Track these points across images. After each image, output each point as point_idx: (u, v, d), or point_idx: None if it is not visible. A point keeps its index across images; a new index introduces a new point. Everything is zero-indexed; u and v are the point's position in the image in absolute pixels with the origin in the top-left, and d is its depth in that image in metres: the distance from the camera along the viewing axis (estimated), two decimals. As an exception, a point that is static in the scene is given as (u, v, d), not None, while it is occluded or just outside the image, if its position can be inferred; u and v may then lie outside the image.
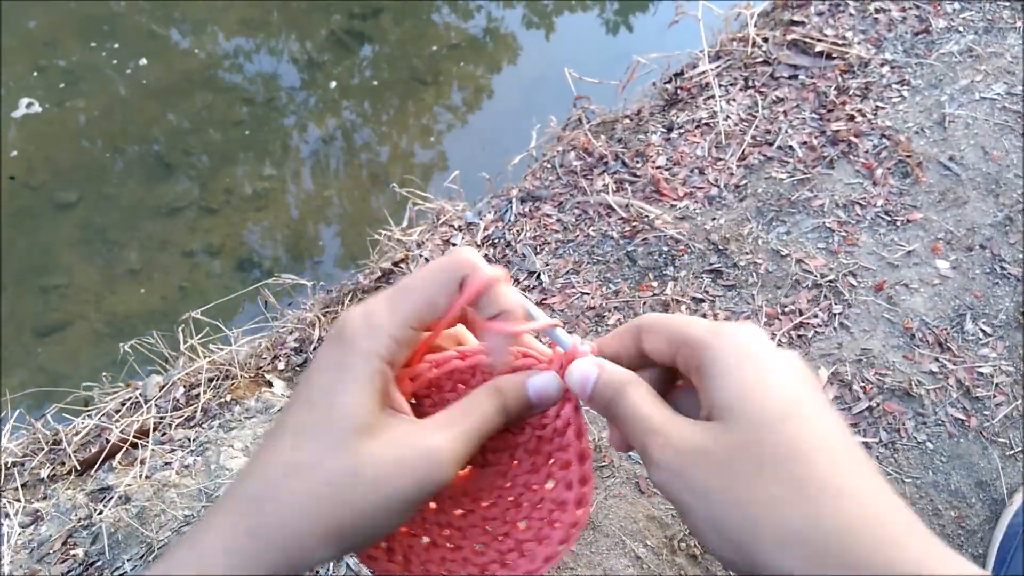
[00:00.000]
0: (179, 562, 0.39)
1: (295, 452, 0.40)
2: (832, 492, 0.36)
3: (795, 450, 0.38)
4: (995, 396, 1.81)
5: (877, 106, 2.40)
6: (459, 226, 2.25)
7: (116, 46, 4.19)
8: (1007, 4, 2.66)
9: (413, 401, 0.49)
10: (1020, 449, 1.73)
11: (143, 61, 4.11)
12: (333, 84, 4.12)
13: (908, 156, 2.23)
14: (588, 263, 2.09)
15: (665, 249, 2.07)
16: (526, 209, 2.27)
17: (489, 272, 0.46)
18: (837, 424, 0.39)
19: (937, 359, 1.86)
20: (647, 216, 2.13)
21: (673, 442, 0.41)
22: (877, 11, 2.71)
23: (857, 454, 0.38)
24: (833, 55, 2.56)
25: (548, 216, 2.23)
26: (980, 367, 1.85)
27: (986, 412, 1.79)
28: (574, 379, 0.47)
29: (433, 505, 0.50)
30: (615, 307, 1.98)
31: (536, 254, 2.12)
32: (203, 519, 0.41)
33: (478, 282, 0.45)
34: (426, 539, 0.49)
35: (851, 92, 2.45)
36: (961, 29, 2.62)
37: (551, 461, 0.50)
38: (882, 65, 2.54)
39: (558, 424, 0.50)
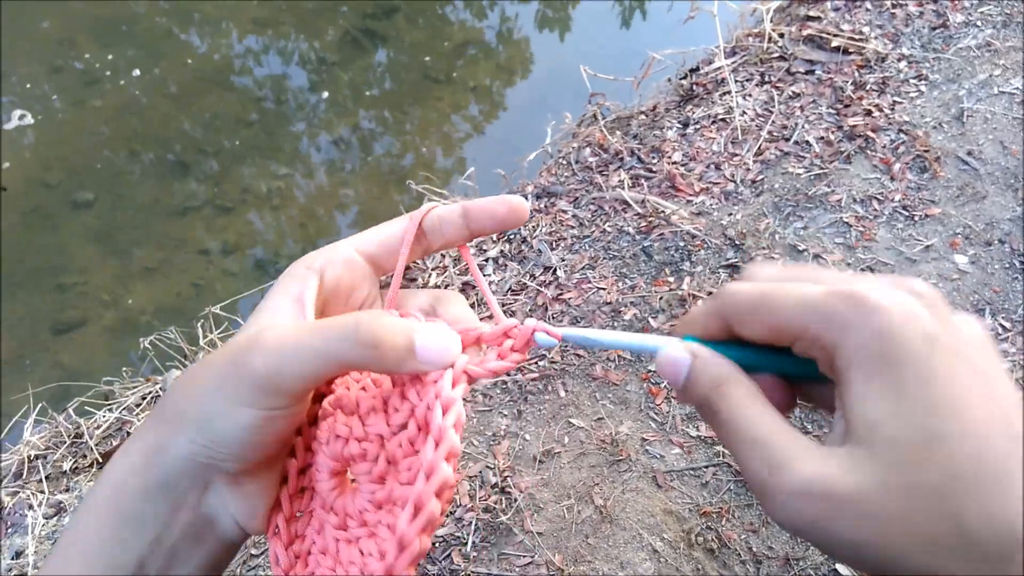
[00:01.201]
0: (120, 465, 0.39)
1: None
2: (984, 524, 0.30)
3: (952, 477, 0.30)
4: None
5: (894, 101, 2.39)
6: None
7: (132, 47, 4.22)
8: (1025, -2, 2.65)
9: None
10: (1040, 444, 1.73)
11: (158, 62, 4.14)
12: (347, 83, 4.13)
13: (926, 151, 2.22)
14: (604, 258, 2.09)
15: (681, 244, 2.07)
16: (542, 205, 2.27)
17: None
18: (989, 418, 0.31)
19: (956, 354, 1.85)
20: (663, 211, 2.13)
21: (805, 477, 0.32)
22: (894, 6, 2.70)
23: (1013, 465, 0.30)
24: (850, 50, 2.55)
25: (564, 212, 2.23)
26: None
27: (1005, 407, 1.78)
28: (663, 365, 0.38)
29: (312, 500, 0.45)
30: (631, 302, 1.98)
31: (552, 249, 2.13)
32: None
33: (427, 209, 0.46)
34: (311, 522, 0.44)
35: (868, 87, 2.44)
36: (979, 23, 2.61)
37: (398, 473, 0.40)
38: (899, 60, 2.53)
39: (412, 431, 0.39)
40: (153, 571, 0.39)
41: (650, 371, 1.85)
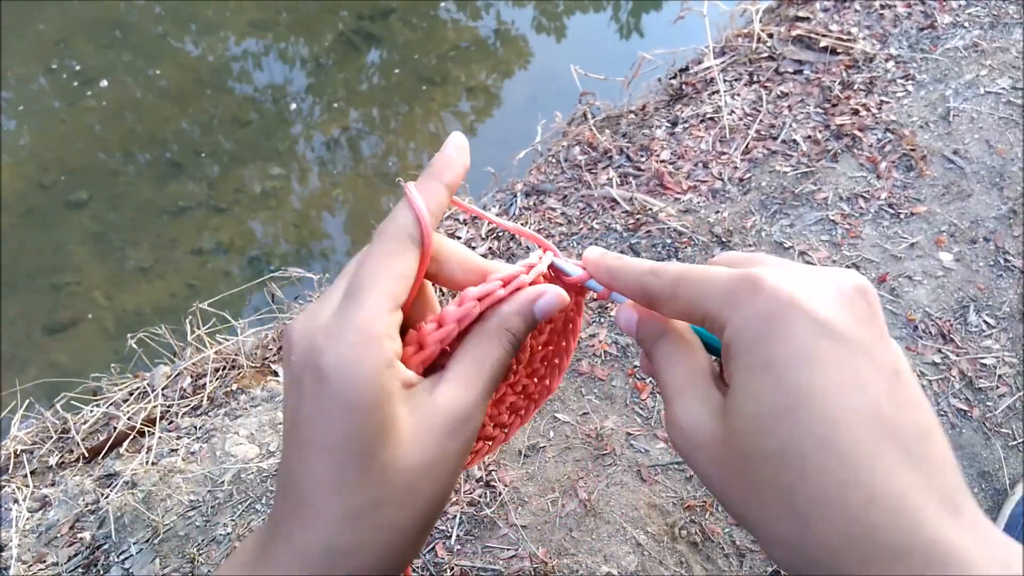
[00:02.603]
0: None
1: (350, 508, 0.37)
2: (820, 511, 0.31)
3: (794, 451, 0.32)
4: (998, 387, 1.81)
5: (882, 100, 2.41)
6: (464, 219, 2.27)
7: (127, 48, 4.23)
8: (1013, 0, 2.67)
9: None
10: (1022, 440, 1.73)
11: (154, 63, 4.15)
12: (341, 84, 4.15)
13: (912, 150, 2.23)
14: (592, 255, 2.10)
15: (669, 241, 2.08)
16: (531, 202, 2.28)
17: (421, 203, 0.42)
18: (853, 406, 0.32)
19: (940, 350, 1.86)
20: (651, 209, 2.14)
21: (682, 421, 0.38)
22: (883, 6, 2.71)
23: (869, 443, 0.31)
24: (838, 50, 2.57)
25: (552, 209, 2.24)
26: (983, 358, 1.85)
27: (988, 403, 1.79)
28: (621, 323, 0.46)
29: None
30: (618, 298, 1.98)
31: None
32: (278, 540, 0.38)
33: (421, 215, 0.41)
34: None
35: (856, 87, 2.45)
36: (967, 24, 2.62)
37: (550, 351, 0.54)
38: (887, 60, 2.54)
39: (571, 314, 0.53)
40: None
41: (635, 366, 1.86)
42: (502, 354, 0.43)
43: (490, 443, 0.51)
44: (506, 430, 0.53)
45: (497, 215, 2.25)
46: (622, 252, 2.03)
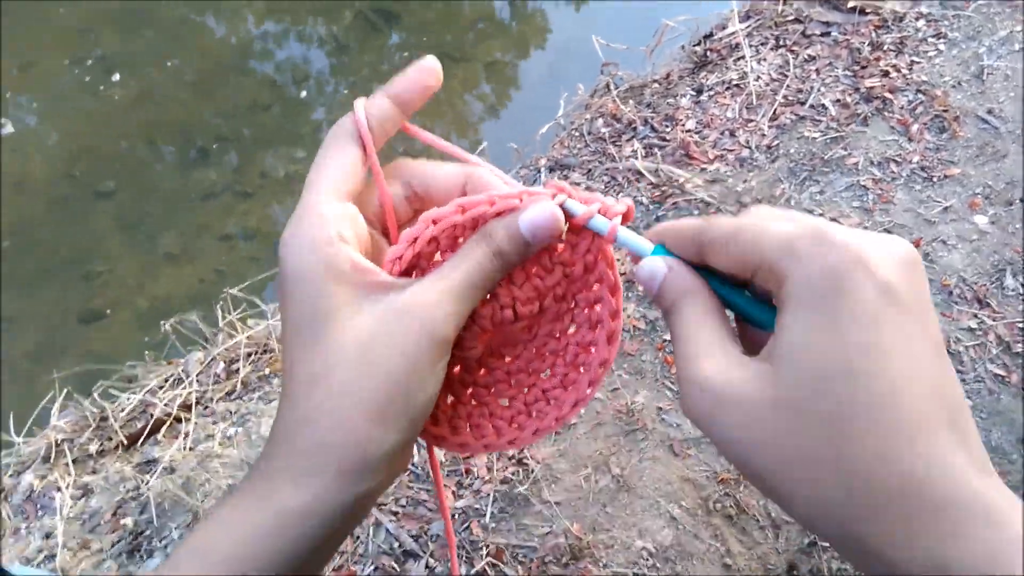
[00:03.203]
0: (252, 510, 0.38)
1: (300, 383, 0.39)
2: (878, 467, 0.31)
3: (849, 412, 0.32)
4: (1037, 351, 1.77)
5: (912, 61, 2.35)
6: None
7: (149, 36, 4.24)
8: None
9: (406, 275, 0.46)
10: (1064, 404, 1.70)
11: (175, 50, 4.16)
12: (361, 64, 4.13)
13: (945, 111, 2.18)
14: (618, 229, 2.08)
15: (696, 213, 2.06)
16: (555, 177, 2.26)
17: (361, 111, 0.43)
18: (912, 373, 0.32)
19: (976, 315, 1.82)
20: (677, 180, 2.11)
21: (711, 379, 0.36)
22: (911, -37, 2.64)
23: (934, 423, 0.32)
24: (867, 10, 2.50)
25: (577, 184, 2.22)
26: (1021, 323, 1.81)
27: (1028, 368, 1.76)
28: (643, 274, 0.42)
29: (457, 368, 0.49)
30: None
31: (566, 222, 2.12)
32: (251, 476, 0.40)
33: (361, 122, 0.43)
34: (450, 398, 0.49)
35: (885, 48, 2.39)
36: (999, -22, 2.55)
37: (573, 305, 0.48)
38: (917, 19, 2.48)
39: (588, 259, 0.46)
40: None
41: (665, 340, 1.85)
42: (480, 257, 0.42)
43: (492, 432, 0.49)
44: (516, 425, 0.49)
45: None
46: (648, 224, 2.01)
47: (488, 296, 0.45)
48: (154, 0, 4.56)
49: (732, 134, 2.25)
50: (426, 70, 0.44)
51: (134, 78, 4.10)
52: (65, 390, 2.03)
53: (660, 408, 1.74)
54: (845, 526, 0.32)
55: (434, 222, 0.43)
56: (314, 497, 0.38)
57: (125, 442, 1.84)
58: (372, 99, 0.44)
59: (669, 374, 1.79)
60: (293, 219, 0.41)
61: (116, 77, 4.09)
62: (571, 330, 0.48)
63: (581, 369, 0.48)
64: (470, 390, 0.50)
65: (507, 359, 0.50)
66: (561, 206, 0.43)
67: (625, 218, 0.44)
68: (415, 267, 0.44)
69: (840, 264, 0.34)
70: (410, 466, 1.70)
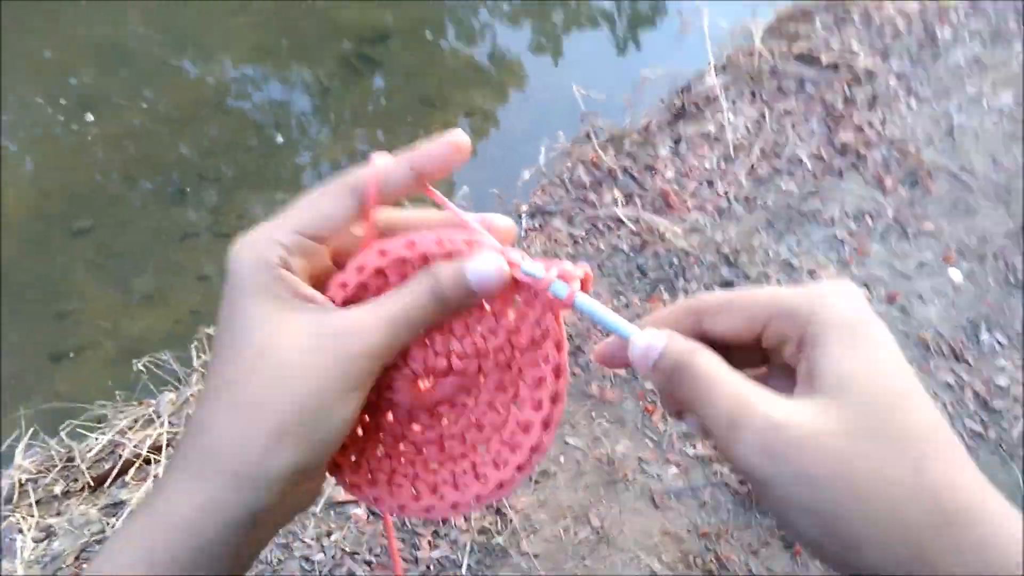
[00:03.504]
0: (150, 517, 0.38)
1: (212, 389, 0.39)
2: (946, 483, 0.33)
3: (915, 433, 0.34)
4: (1013, 408, 1.79)
5: (885, 116, 2.40)
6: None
7: (129, 74, 4.25)
8: (1013, 14, 2.67)
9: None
10: (1039, 459, 1.71)
11: (155, 89, 4.16)
12: (343, 108, 4.16)
13: (918, 166, 2.22)
14: (599, 276, 2.09)
15: (675, 261, 2.07)
16: (536, 223, 2.27)
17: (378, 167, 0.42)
18: (936, 407, 0.36)
19: (953, 370, 1.84)
20: (657, 228, 2.13)
21: (772, 417, 0.35)
22: (883, 22, 2.72)
23: (958, 442, 0.35)
24: (839, 66, 2.57)
25: (558, 230, 2.23)
26: (997, 379, 1.83)
27: (1004, 424, 1.77)
28: (637, 349, 0.41)
29: (390, 417, 0.47)
30: (627, 320, 1.97)
31: (546, 268, 2.13)
32: (159, 484, 0.40)
33: (370, 174, 0.42)
34: (381, 449, 0.47)
35: (858, 103, 2.45)
36: (967, 38, 2.63)
37: (521, 379, 0.46)
38: (889, 75, 2.54)
39: (536, 334, 0.44)
40: None
41: (646, 389, 1.84)
42: (421, 294, 0.42)
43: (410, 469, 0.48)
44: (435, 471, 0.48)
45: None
46: (629, 272, 2.02)
47: (425, 340, 0.44)
48: (134, 39, 4.57)
49: (710, 184, 2.29)
50: (454, 145, 0.44)
51: (112, 116, 4.08)
52: (31, 429, 1.98)
53: (641, 458, 1.72)
54: (923, 545, 0.33)
55: (382, 253, 0.43)
56: (205, 502, 0.38)
57: (92, 484, 1.79)
58: (393, 162, 0.44)
59: (650, 423, 1.78)
60: (248, 233, 0.41)
61: (94, 114, 4.08)
62: (515, 406, 0.46)
63: (516, 451, 0.46)
64: (401, 445, 0.48)
65: (444, 421, 0.48)
66: (516, 266, 0.42)
67: (584, 285, 0.42)
68: (359, 298, 0.43)
69: (860, 304, 0.37)
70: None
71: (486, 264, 0.42)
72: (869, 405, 0.34)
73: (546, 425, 0.45)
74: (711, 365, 0.39)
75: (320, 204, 0.42)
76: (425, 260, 0.43)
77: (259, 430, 0.38)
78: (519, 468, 0.45)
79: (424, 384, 0.46)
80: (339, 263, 0.45)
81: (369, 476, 0.47)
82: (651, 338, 0.41)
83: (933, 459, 0.33)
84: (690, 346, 0.40)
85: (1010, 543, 0.32)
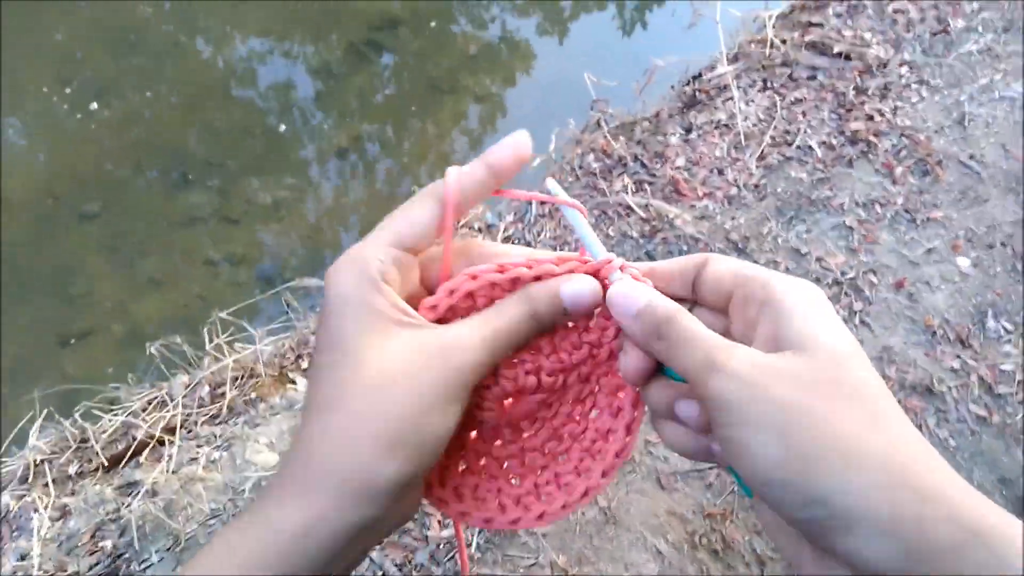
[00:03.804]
0: (253, 531, 0.39)
1: (318, 403, 0.41)
2: (897, 430, 0.37)
3: (869, 386, 0.38)
4: (1017, 393, 1.80)
5: (896, 106, 2.40)
6: (479, 227, 2.27)
7: (137, 59, 4.25)
8: (1026, 4, 2.66)
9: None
10: (1045, 445, 1.72)
11: (163, 74, 4.17)
12: (352, 93, 4.16)
13: (928, 155, 2.23)
14: (608, 262, 2.10)
15: (684, 248, 2.08)
16: (546, 210, 2.28)
17: (455, 177, 0.44)
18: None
19: (959, 356, 1.85)
20: (666, 216, 2.14)
21: (749, 356, 0.39)
22: (895, 12, 2.71)
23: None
24: (851, 56, 2.57)
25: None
26: (1002, 364, 1.84)
27: (1008, 409, 1.78)
28: (617, 298, 0.44)
29: (474, 434, 0.49)
30: (635, 305, 1.98)
31: (556, 254, 2.14)
32: (266, 495, 0.41)
33: (450, 186, 0.44)
34: (462, 464, 0.49)
35: (870, 92, 2.45)
36: (980, 29, 2.62)
37: (597, 389, 0.48)
38: (901, 65, 2.54)
39: (616, 345, 0.46)
40: None
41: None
42: (517, 315, 0.44)
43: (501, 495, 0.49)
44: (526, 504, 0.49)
45: (512, 222, 2.26)
46: (638, 258, 2.03)
47: (515, 359, 0.46)
48: (143, 24, 4.57)
49: (720, 172, 2.29)
50: (520, 143, 0.46)
51: (120, 101, 4.10)
52: (45, 411, 2.00)
53: (648, 440, 1.74)
54: (878, 489, 0.35)
55: (473, 277, 0.44)
56: (314, 517, 0.39)
57: (106, 464, 1.82)
58: (469, 167, 0.46)
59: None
60: (346, 253, 0.43)
61: (103, 99, 4.09)
62: (593, 415, 0.49)
63: (598, 457, 0.48)
64: (483, 461, 0.50)
65: (525, 435, 0.50)
66: (608, 285, 0.45)
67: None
68: (448, 320, 0.45)
69: (812, 286, 0.43)
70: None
71: (580, 285, 0.44)
72: (830, 361, 0.39)
73: (629, 430, 0.47)
74: (693, 322, 0.42)
75: (408, 215, 0.44)
76: (514, 284, 0.45)
77: (370, 442, 0.39)
78: (603, 474, 0.47)
79: (507, 401, 0.48)
80: (424, 283, 0.47)
81: (454, 491, 0.49)
82: (631, 289, 0.45)
83: (886, 415, 0.38)
84: (674, 304, 0.43)
85: (962, 509, 0.34)
